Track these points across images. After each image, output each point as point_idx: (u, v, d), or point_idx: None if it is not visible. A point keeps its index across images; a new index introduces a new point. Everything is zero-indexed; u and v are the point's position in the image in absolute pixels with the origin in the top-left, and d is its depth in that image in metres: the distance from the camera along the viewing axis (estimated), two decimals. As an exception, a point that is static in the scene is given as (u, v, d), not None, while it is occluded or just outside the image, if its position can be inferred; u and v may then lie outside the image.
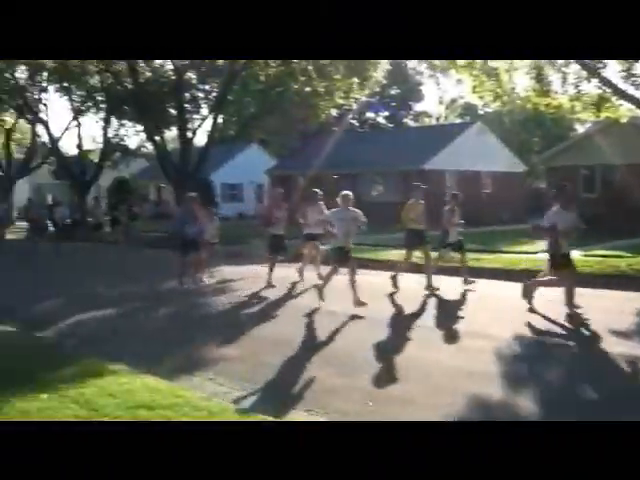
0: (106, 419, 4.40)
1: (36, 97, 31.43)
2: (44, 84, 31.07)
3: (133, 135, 33.79)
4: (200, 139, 30.46)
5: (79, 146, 33.46)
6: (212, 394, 5.40)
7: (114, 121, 32.36)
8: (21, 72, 29.13)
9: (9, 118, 34.69)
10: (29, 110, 31.12)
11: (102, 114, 32.17)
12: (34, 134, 33.35)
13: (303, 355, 6.96)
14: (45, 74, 29.04)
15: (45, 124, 31.69)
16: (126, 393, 5.03)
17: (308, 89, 25.06)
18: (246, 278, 12.76)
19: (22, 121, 34.47)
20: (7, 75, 27.84)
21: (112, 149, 33.21)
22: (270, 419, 4.57)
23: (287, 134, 38.28)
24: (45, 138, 32.42)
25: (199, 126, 28.01)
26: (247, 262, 15.21)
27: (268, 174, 34.75)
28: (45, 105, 32.82)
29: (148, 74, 27.26)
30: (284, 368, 6.46)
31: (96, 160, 33.27)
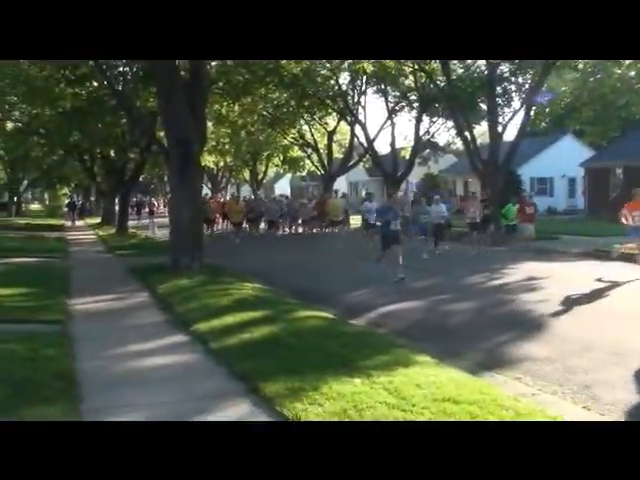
0: (413, 409, 4.53)
1: (356, 100, 33.74)
2: (363, 88, 33.25)
3: (443, 132, 34.52)
4: (510, 133, 29.78)
5: (392, 144, 35.11)
6: (519, 394, 5.24)
7: (425, 119, 33.35)
8: (344, 78, 31.58)
9: (332, 121, 37.73)
10: (349, 112, 33.50)
11: (414, 113, 33.35)
12: (352, 135, 35.74)
13: (609, 359, 6.40)
14: (364, 78, 31.06)
15: (362, 125, 33.82)
16: (432, 385, 5.12)
17: (632, 73, 22.89)
18: (552, 276, 12.24)
19: (342, 123, 37.20)
20: (332, 82, 30.36)
21: (422, 146, 34.23)
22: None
23: (606, 123, 35.47)
24: (362, 138, 34.60)
25: (510, 119, 27.43)
26: (558, 259, 14.51)
27: (584, 167, 32.62)
28: (363, 107, 35.01)
29: (460, 70, 27.47)
30: (594, 373, 6.00)
31: (407, 157, 34.60)
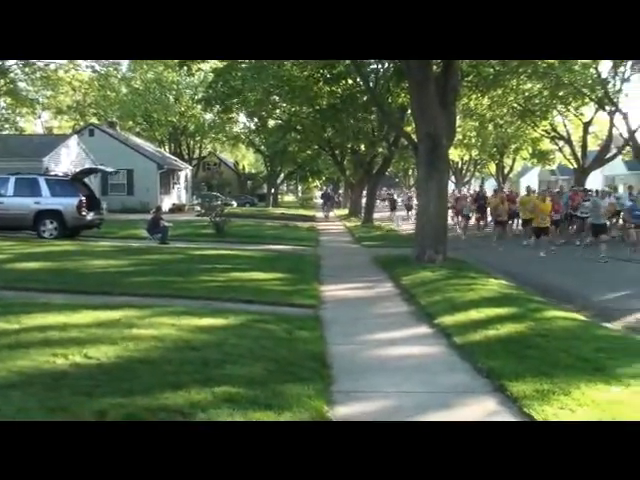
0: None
1: (617, 88, 31.09)
2: (627, 74, 30.49)
3: None
4: None
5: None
6: None
7: None
8: (605, 65, 29.27)
9: (588, 111, 35.28)
10: (609, 102, 31.02)
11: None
12: (611, 125, 33.03)
13: None
14: (629, 63, 28.50)
15: (624, 115, 31.11)
16: None
17: None
18: None
19: (599, 113, 34.59)
20: (592, 70, 28.31)
21: None
22: None
23: None
24: (622, 129, 31.83)
25: None
26: None
27: None
28: (626, 96, 32.20)
29: None
30: None
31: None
